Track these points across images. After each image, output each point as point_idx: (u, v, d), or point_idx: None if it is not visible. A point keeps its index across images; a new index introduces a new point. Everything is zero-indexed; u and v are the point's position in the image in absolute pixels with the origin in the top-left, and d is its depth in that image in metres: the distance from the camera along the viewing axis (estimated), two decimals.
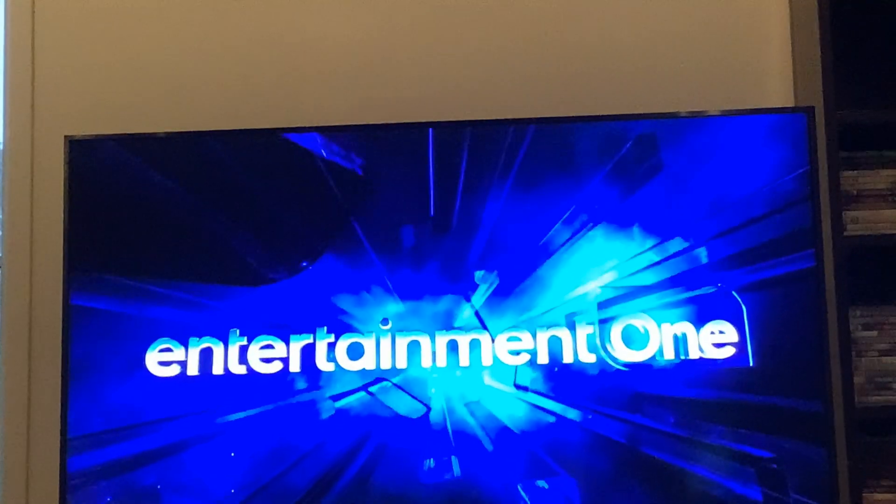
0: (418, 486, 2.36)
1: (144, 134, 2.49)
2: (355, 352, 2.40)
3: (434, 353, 2.39)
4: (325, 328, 2.40)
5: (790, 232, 2.37)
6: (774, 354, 2.37)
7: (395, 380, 2.39)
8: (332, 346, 2.39)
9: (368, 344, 2.40)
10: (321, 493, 2.36)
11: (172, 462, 2.38)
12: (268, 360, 2.40)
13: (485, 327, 2.39)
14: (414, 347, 2.39)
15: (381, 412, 2.38)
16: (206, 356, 2.41)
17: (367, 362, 2.39)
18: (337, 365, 2.39)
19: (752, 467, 2.35)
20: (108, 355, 2.41)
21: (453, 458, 2.37)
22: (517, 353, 2.38)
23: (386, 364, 2.39)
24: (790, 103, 2.63)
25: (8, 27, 2.76)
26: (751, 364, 2.36)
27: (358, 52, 2.72)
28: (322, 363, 2.39)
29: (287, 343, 2.40)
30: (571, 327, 2.38)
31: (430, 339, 2.39)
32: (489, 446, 2.37)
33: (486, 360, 2.38)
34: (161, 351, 2.41)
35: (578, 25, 2.71)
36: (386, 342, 2.39)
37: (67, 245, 2.42)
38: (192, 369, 2.40)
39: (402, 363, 2.39)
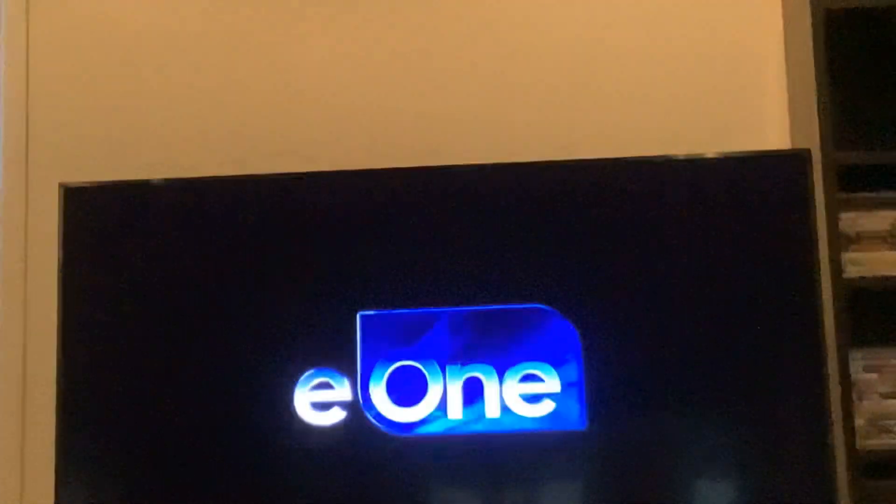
0: None
1: (141, 181, 2.48)
2: None
3: None
4: None
5: (789, 274, 2.36)
6: (773, 396, 2.36)
7: None
8: None
9: None
10: None
11: None
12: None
13: None
14: None
15: None
16: None
17: None
18: None
19: None
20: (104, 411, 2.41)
21: None
22: None
23: None
24: (787, 145, 2.62)
25: (2, 71, 2.76)
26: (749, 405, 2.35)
27: (360, 97, 2.72)
28: None
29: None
30: None
31: None
32: None
33: None
34: None
35: (571, 68, 2.71)
36: None
37: (62, 293, 2.41)
38: None
39: None
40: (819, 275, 2.34)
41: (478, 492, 2.35)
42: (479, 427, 2.33)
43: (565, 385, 2.33)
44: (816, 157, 2.38)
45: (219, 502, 2.35)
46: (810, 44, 2.42)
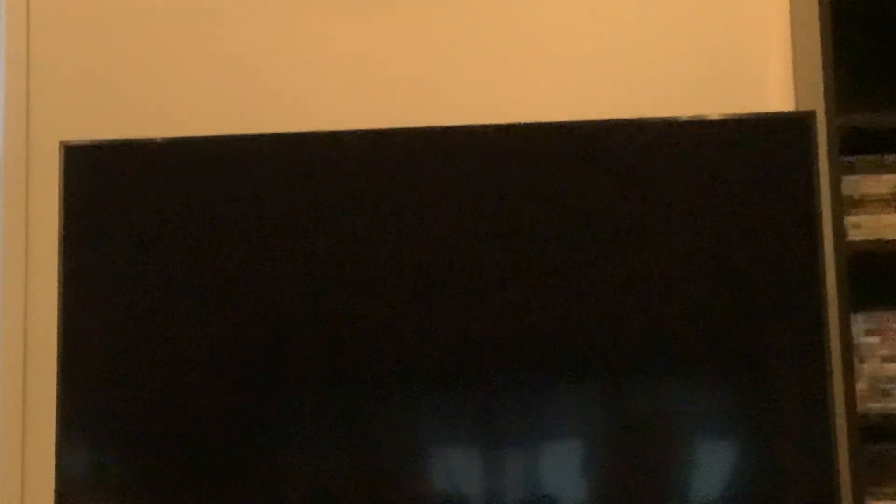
0: None
1: (143, 140, 2.48)
2: None
3: None
4: None
5: (791, 236, 2.36)
6: (774, 360, 2.36)
7: None
8: None
9: None
10: None
11: None
12: None
13: None
14: None
15: None
16: None
17: None
18: None
19: (752, 475, 2.33)
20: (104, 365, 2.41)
21: None
22: None
23: None
24: (790, 107, 2.61)
25: (3, 31, 2.76)
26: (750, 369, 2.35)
27: (359, 55, 2.72)
28: None
29: None
30: None
31: None
32: None
33: None
34: None
35: (574, 29, 2.70)
36: None
37: (63, 253, 2.41)
38: None
39: None
40: (821, 238, 2.33)
41: None
42: None
43: None
44: (820, 119, 2.37)
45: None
46: (815, 4, 2.41)
